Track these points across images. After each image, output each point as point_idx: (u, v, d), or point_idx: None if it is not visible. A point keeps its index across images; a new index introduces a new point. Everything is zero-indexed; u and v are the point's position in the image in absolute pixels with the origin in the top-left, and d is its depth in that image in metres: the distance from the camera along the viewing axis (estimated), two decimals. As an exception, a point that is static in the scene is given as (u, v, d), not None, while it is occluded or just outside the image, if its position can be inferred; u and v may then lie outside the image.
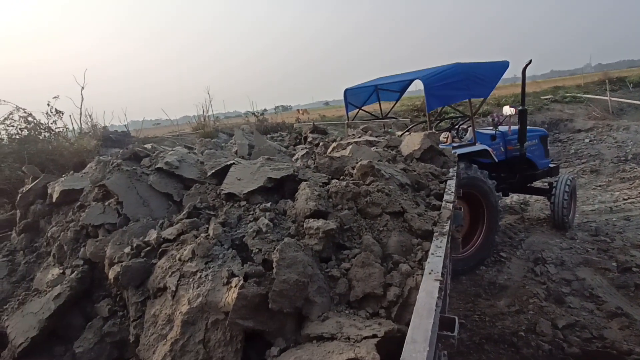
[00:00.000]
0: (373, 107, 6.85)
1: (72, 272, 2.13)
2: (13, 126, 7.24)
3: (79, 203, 2.73)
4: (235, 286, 1.53)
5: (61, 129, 8.05)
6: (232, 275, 1.62)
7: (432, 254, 1.62)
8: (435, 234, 1.84)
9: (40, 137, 7.47)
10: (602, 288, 4.40)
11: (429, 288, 1.34)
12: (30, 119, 7.41)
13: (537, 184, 6.56)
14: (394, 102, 6.88)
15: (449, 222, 1.99)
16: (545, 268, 4.87)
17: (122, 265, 1.89)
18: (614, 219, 6.28)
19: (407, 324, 1.51)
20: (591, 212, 6.86)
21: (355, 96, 6.34)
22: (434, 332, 1.15)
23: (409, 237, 1.91)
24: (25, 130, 7.33)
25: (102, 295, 2.11)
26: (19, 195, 3.18)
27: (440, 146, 3.35)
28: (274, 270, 1.57)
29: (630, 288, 4.32)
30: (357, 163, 2.47)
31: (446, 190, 2.53)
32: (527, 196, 7.44)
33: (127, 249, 2.03)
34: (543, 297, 4.30)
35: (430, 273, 1.44)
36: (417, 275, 1.63)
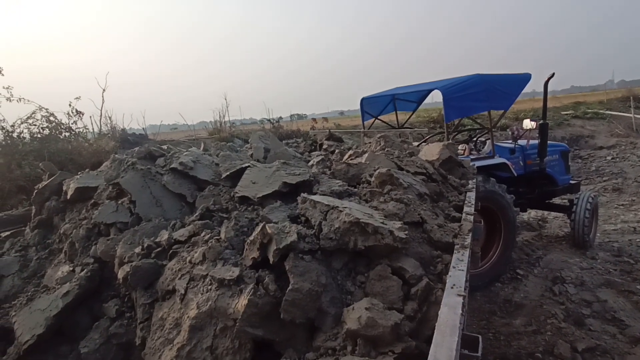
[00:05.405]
0: (389, 117, 6.79)
1: (82, 270, 2.11)
2: (35, 125, 7.41)
3: (92, 201, 2.73)
4: (245, 292, 1.47)
5: (81, 130, 8.21)
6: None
7: (454, 267, 1.53)
8: (457, 246, 1.76)
9: (61, 137, 7.62)
10: (625, 311, 4.20)
11: (452, 303, 1.26)
12: (52, 118, 7.57)
13: (557, 200, 6.38)
14: (411, 112, 6.81)
15: (469, 234, 1.91)
16: (564, 288, 4.68)
17: (131, 265, 1.86)
18: (637, 240, 6.04)
19: (426, 341, 1.44)
20: (613, 232, 6.63)
21: (372, 105, 6.30)
22: (458, 351, 1.07)
23: (428, 248, 1.83)
24: (47, 129, 7.49)
25: (111, 295, 2.08)
26: (35, 191, 3.19)
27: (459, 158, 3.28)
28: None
29: (656, 313, 4.12)
30: (374, 171, 2.41)
31: (466, 202, 2.45)
32: (546, 213, 7.24)
33: (138, 249, 1.99)
34: (562, 317, 4.12)
35: (452, 287, 1.36)
36: (437, 289, 1.55)
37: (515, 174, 5.07)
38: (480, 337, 1.28)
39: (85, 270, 2.08)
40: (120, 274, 1.89)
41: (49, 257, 2.67)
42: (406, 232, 1.70)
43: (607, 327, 3.94)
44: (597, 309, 4.24)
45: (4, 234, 3.20)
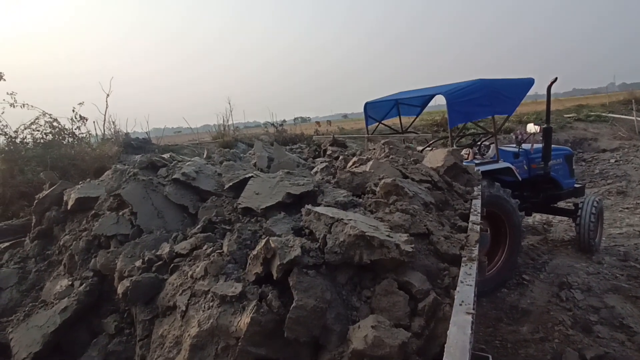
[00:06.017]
0: (393, 122, 6.76)
1: (81, 284, 2.07)
2: (39, 131, 7.37)
3: (93, 212, 2.68)
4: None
5: (84, 135, 8.18)
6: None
7: (462, 282, 1.49)
8: (464, 259, 1.71)
9: (64, 142, 7.59)
10: (633, 318, 4.14)
11: (461, 322, 1.22)
12: (55, 124, 7.54)
13: (562, 204, 6.33)
14: (415, 116, 6.78)
15: (477, 246, 1.86)
16: (571, 293, 4.62)
17: (131, 279, 1.81)
18: (644, 244, 5.98)
19: (433, 359, 1.40)
20: (619, 236, 6.56)
21: (376, 110, 6.27)
22: (468, 374, 1.03)
23: (435, 261, 1.79)
24: (50, 135, 7.46)
25: (110, 309, 2.03)
26: (35, 201, 3.16)
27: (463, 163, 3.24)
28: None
29: (665, 320, 4.06)
30: (379, 180, 2.37)
31: (472, 210, 2.41)
32: (551, 217, 7.18)
33: (138, 263, 1.95)
34: (569, 324, 4.06)
35: (461, 304, 1.32)
36: (445, 304, 1.51)
37: (520, 178, 5.03)
38: (490, 357, 1.24)
39: (85, 284, 2.04)
40: (120, 289, 1.85)
41: (48, 269, 2.61)
42: (413, 245, 1.65)
43: (615, 334, 3.87)
44: (604, 315, 4.18)
45: (3, 245, 3.16)
